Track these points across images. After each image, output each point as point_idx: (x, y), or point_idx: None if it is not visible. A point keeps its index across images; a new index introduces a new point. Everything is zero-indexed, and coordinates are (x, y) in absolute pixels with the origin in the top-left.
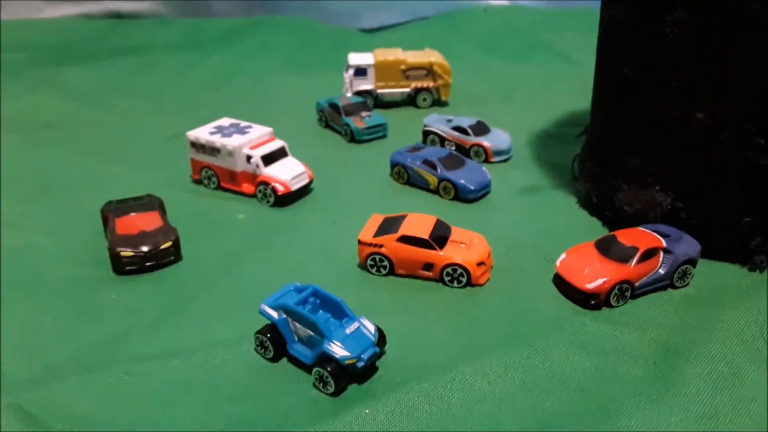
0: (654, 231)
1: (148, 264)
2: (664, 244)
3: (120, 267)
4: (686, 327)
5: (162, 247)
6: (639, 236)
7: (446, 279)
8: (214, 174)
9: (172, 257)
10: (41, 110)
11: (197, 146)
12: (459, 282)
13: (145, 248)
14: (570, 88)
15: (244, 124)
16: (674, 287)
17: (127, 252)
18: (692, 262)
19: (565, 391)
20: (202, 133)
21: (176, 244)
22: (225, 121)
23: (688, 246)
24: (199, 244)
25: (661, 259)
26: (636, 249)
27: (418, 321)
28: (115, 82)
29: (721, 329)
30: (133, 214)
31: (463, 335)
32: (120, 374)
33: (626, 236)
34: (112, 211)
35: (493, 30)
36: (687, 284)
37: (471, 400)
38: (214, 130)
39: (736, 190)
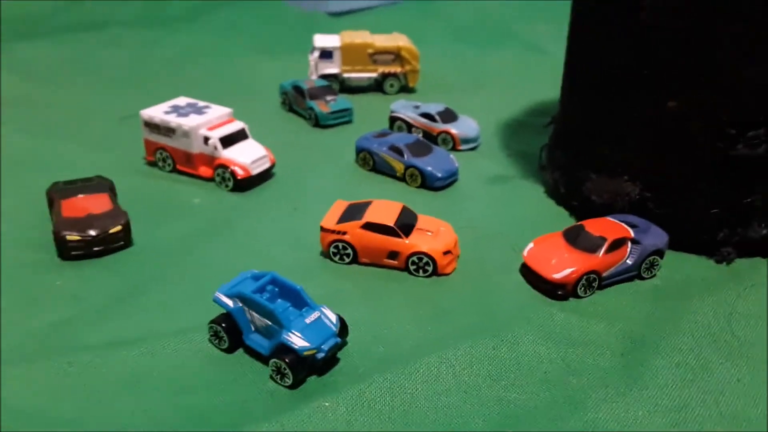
0: (622, 221)
1: (95, 249)
2: (632, 234)
3: (65, 252)
4: (654, 319)
5: (111, 231)
6: (607, 226)
7: (412, 268)
8: (170, 156)
9: (122, 242)
10: None
11: (151, 126)
12: (425, 271)
13: (92, 232)
14: (540, 77)
15: (201, 103)
16: (642, 278)
17: (73, 236)
18: (660, 254)
19: (531, 382)
20: (157, 112)
21: (126, 228)
22: (181, 101)
23: (656, 237)
24: (152, 229)
25: (629, 249)
26: (604, 239)
27: (382, 311)
28: (71, 59)
29: (689, 321)
30: (80, 196)
31: (428, 326)
32: (64, 365)
33: (594, 226)
34: (57, 192)
35: (463, 18)
36: (654, 275)
37: (435, 392)
38: (169, 109)
39: (705, 181)
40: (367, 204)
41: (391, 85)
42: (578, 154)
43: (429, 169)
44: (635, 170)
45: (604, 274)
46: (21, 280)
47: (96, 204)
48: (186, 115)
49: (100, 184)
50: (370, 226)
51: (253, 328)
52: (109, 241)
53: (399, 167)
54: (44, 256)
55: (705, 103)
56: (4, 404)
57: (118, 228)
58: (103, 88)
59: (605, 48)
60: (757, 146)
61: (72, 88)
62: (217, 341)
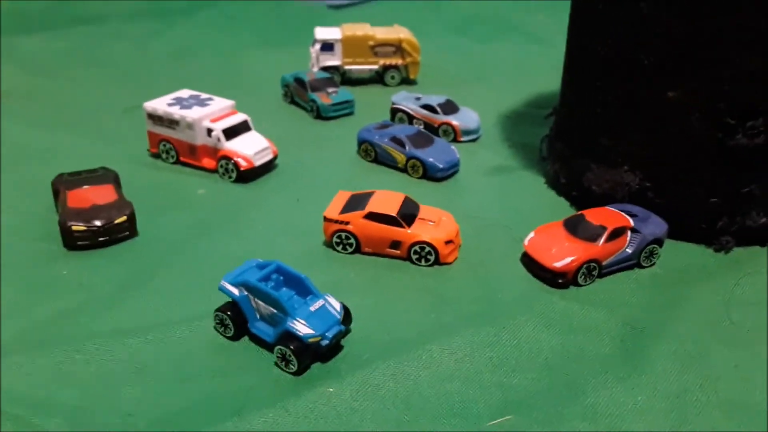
0: (622, 210)
1: (101, 239)
2: (632, 223)
3: (71, 242)
4: (653, 306)
5: (116, 221)
6: (607, 215)
7: (414, 257)
8: (173, 147)
9: (127, 232)
10: None
11: (155, 118)
12: (427, 260)
13: (98, 222)
14: (540, 69)
15: (204, 96)
16: (641, 267)
17: (78, 226)
18: (659, 242)
19: (532, 368)
20: (160, 105)
21: (131, 218)
22: (185, 93)
23: (656, 226)
24: (157, 219)
25: (628, 238)
26: (604, 228)
27: (385, 299)
28: (73, 52)
29: (688, 309)
30: (85, 186)
31: (430, 313)
32: (71, 352)
33: (594, 215)
34: (63, 183)
35: (464, 10)
36: (654, 264)
37: (437, 378)
38: (172, 101)
39: (705, 170)
40: (369, 194)
41: (392, 77)
42: (578, 144)
43: (430, 160)
44: (635, 160)
45: (604, 263)
46: (28, 270)
47: (101, 195)
48: (189, 107)
49: (104, 175)
50: (372, 216)
51: (258, 316)
52: (114, 231)
53: (400, 158)
54: (50, 246)
55: (704, 94)
56: (12, 392)
57: (123, 218)
58: (105, 81)
59: (605, 39)
60: (756, 136)
61: (74, 80)
62: (222, 329)
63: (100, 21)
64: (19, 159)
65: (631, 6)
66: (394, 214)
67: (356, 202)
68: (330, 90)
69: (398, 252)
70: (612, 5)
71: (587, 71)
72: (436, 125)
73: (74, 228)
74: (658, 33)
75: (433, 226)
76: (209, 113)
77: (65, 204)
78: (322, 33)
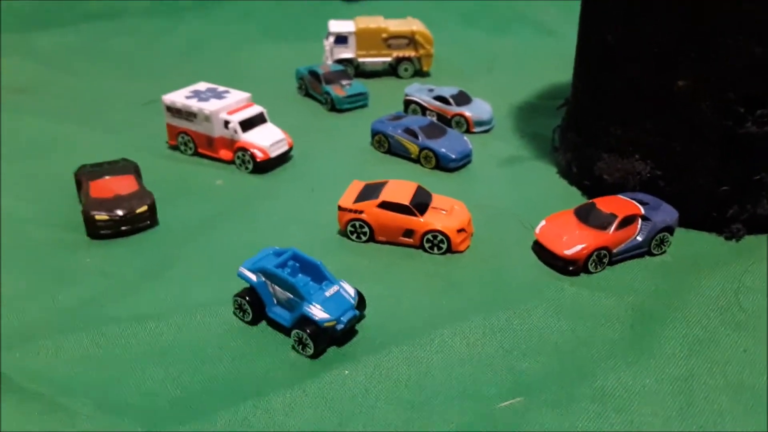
0: (633, 199)
1: (123, 228)
2: (643, 211)
3: (94, 231)
4: (663, 293)
5: (137, 211)
6: (618, 204)
7: (426, 246)
8: (191, 140)
9: (148, 222)
10: (13, 75)
11: (173, 111)
12: (439, 248)
13: (120, 212)
14: (551, 60)
15: (221, 88)
16: (651, 254)
17: (101, 215)
18: (670, 230)
19: (542, 353)
20: (178, 97)
21: (152, 208)
22: (202, 86)
23: (666, 214)
24: (176, 209)
25: (639, 226)
26: (615, 216)
27: (398, 286)
28: (86, 47)
29: (697, 295)
30: (107, 177)
31: (443, 300)
32: (95, 336)
33: (605, 203)
34: (85, 174)
35: (475, 2)
36: (664, 252)
37: (450, 362)
38: (190, 94)
39: (715, 159)
40: (382, 184)
41: (406, 69)
42: (590, 134)
43: (443, 150)
44: (646, 149)
45: (615, 251)
46: (52, 258)
47: (123, 185)
48: (206, 99)
49: (125, 166)
50: (386, 205)
51: (275, 301)
52: (136, 220)
53: (414, 149)
54: (74, 236)
55: (714, 82)
56: (39, 375)
57: (145, 208)
58: (121, 76)
59: (616, 28)
60: (766, 124)
61: (90, 75)
62: (241, 314)
63: (113, 17)
64: (40, 152)
65: None
66: (407, 203)
67: (370, 191)
68: (344, 82)
69: (411, 240)
70: None
71: (598, 61)
72: (449, 116)
73: (97, 217)
74: (668, 22)
75: (445, 214)
76: (226, 105)
77: (88, 194)
78: (336, 26)
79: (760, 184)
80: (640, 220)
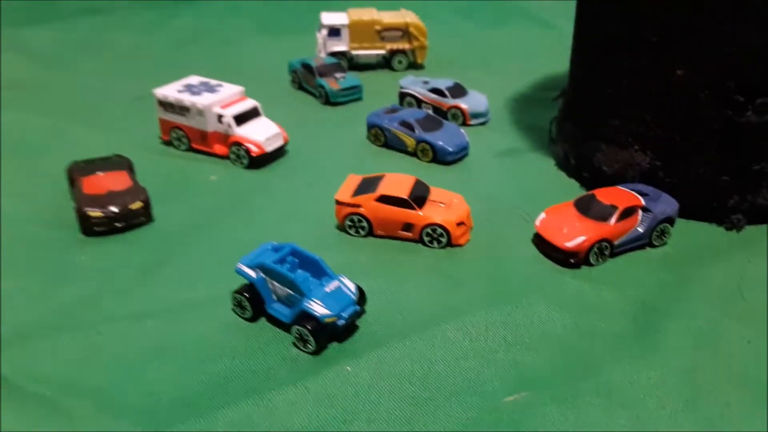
0: (632, 190)
1: (117, 225)
2: (643, 202)
3: (88, 228)
4: (665, 285)
5: (131, 207)
6: (618, 195)
7: (426, 239)
8: (185, 135)
9: (143, 218)
10: (3, 71)
11: (166, 105)
12: (439, 242)
13: (113, 208)
14: (547, 52)
15: (214, 82)
16: (652, 246)
17: (95, 212)
18: (670, 221)
19: (545, 347)
20: (170, 91)
21: (146, 204)
22: (194, 79)
23: (667, 205)
24: (171, 205)
25: (640, 217)
26: (615, 207)
27: (399, 281)
28: (79, 43)
29: (700, 287)
30: (100, 173)
31: (444, 294)
32: (92, 335)
33: (605, 195)
34: (78, 170)
35: None
36: (665, 243)
37: (453, 356)
38: (182, 88)
39: (714, 149)
40: (380, 177)
41: (400, 62)
42: (588, 125)
43: (440, 143)
44: (645, 140)
45: (616, 242)
46: (47, 256)
47: (116, 181)
48: (199, 93)
49: (118, 162)
50: (384, 199)
51: (274, 298)
52: (130, 216)
53: (410, 142)
54: (67, 233)
55: (713, 71)
56: (36, 374)
57: (139, 204)
58: (112, 71)
59: (613, 17)
60: (766, 113)
61: (81, 71)
62: (240, 311)
63: (104, 12)
64: (31, 149)
65: None
66: (405, 197)
67: (367, 185)
68: (338, 75)
69: (410, 234)
70: None
71: (596, 51)
72: (444, 109)
73: (91, 214)
74: (666, 11)
75: (444, 208)
76: (219, 99)
77: (81, 190)
78: (329, 18)
79: (761, 174)
80: (640, 212)
